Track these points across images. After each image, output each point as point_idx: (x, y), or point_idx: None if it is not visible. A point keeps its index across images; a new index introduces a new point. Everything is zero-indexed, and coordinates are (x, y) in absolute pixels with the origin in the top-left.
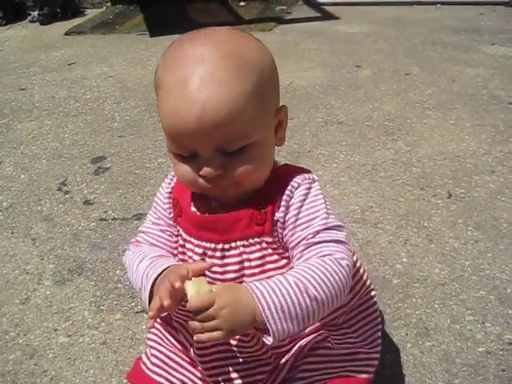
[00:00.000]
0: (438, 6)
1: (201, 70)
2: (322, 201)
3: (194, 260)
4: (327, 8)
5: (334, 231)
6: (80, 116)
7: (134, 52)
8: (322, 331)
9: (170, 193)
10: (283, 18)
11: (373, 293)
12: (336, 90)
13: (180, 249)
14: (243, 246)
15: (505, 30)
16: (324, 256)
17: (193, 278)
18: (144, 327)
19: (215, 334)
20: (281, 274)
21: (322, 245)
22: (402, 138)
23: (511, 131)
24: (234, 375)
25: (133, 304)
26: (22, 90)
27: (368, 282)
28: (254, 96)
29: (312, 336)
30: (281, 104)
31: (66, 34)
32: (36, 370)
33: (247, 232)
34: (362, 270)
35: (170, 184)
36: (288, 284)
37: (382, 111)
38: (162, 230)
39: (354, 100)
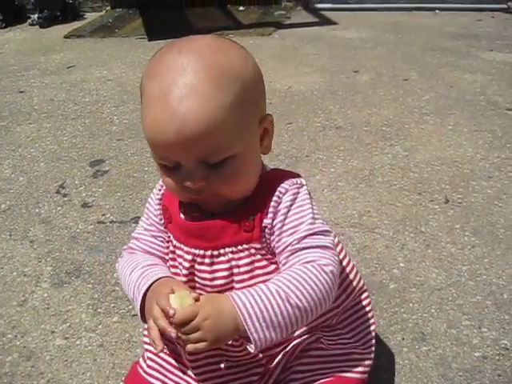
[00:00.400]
0: (437, 11)
1: (181, 82)
2: (309, 206)
3: (183, 266)
4: (326, 13)
5: (321, 236)
6: (79, 119)
7: (133, 56)
8: (314, 332)
9: (160, 199)
10: (282, 22)
11: (366, 294)
12: (334, 95)
13: (171, 255)
14: (232, 252)
15: (503, 36)
16: (307, 262)
17: (176, 292)
18: (141, 330)
19: (200, 345)
20: (268, 279)
21: (307, 251)
22: (399, 143)
23: (508, 137)
24: (226, 378)
25: (130, 307)
26: (21, 92)
27: (361, 283)
28: (235, 107)
29: (304, 337)
30: (270, 112)
31: (66, 37)
32: (33, 372)
33: (236, 239)
34: (354, 272)
35: (160, 190)
36: (270, 293)
37: (380, 116)
38: (153, 236)
39: (352, 105)
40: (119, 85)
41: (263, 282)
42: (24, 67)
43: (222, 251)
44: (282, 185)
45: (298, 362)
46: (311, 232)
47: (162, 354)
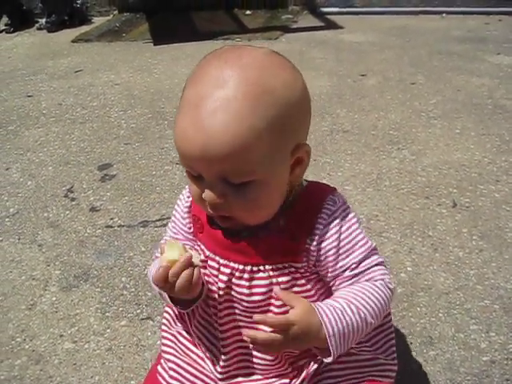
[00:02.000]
0: (444, 15)
1: (217, 95)
2: (357, 225)
3: (219, 279)
4: (333, 17)
5: (376, 252)
6: (87, 123)
7: (140, 60)
8: None
9: (189, 207)
10: (289, 26)
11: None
12: (341, 99)
13: (202, 260)
14: (272, 269)
15: (510, 39)
16: (376, 281)
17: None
18: (149, 334)
19: (275, 345)
20: (305, 297)
21: (372, 269)
22: (407, 147)
23: None
24: None
25: (138, 311)
26: (30, 96)
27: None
28: (267, 132)
29: None
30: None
31: (73, 41)
32: (41, 376)
33: (278, 258)
34: None
35: (189, 197)
36: (351, 312)
37: (387, 120)
38: None
39: (360, 109)
40: (127, 89)
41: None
42: (32, 71)
43: (261, 268)
44: (327, 205)
45: (329, 367)
46: (368, 251)
47: (181, 363)
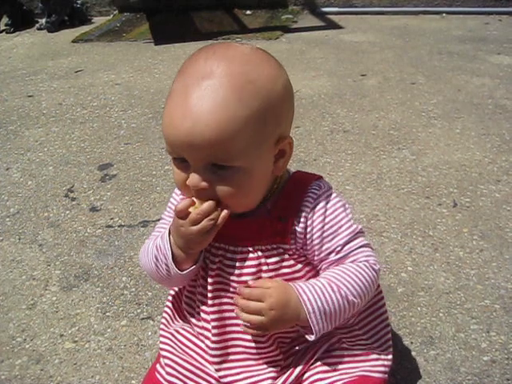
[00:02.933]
0: (444, 15)
1: (204, 85)
2: (342, 208)
3: (211, 261)
4: (333, 17)
5: (361, 235)
6: (87, 123)
7: (140, 60)
8: (334, 334)
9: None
10: (289, 26)
11: (381, 295)
12: (342, 99)
13: None
14: (261, 250)
15: (510, 39)
16: (360, 262)
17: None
18: (150, 333)
19: (258, 330)
20: (294, 278)
21: (356, 251)
22: (407, 146)
23: None
24: (244, 375)
25: (139, 310)
26: (30, 96)
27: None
28: (251, 121)
29: (325, 338)
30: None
31: (74, 41)
32: (42, 376)
33: (266, 239)
34: None
35: None
36: (331, 290)
37: (387, 120)
38: None
39: (360, 109)
40: (127, 89)
41: (290, 279)
42: (32, 71)
43: (251, 249)
44: (313, 189)
45: (323, 362)
46: (352, 234)
47: (180, 361)
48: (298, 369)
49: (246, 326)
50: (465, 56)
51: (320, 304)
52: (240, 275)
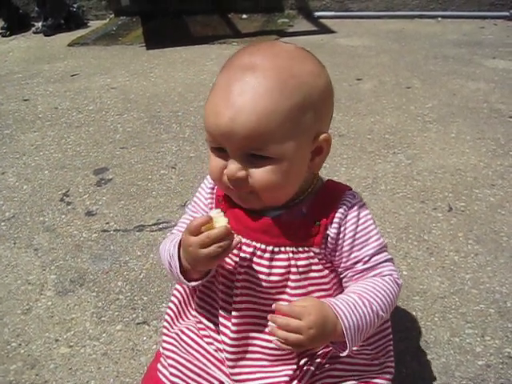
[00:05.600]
0: (439, 19)
1: (248, 76)
2: (372, 221)
3: (241, 258)
4: (329, 21)
5: (386, 250)
6: (83, 127)
7: (136, 64)
8: None
9: (213, 188)
10: (285, 30)
11: None
12: (337, 103)
13: None
14: (292, 252)
15: (506, 43)
16: (385, 276)
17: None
18: (145, 338)
19: (293, 348)
20: (321, 283)
21: (382, 265)
22: (402, 151)
23: (511, 145)
24: (257, 375)
25: (134, 315)
26: (26, 100)
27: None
28: (291, 115)
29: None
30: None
31: (70, 45)
32: (37, 381)
33: (298, 240)
34: None
35: None
36: (364, 305)
37: (383, 124)
38: None
39: (356, 113)
40: (123, 93)
41: (316, 284)
42: (28, 75)
43: (282, 249)
44: (347, 198)
45: (329, 367)
46: (380, 247)
47: (184, 362)
48: (310, 372)
49: (281, 342)
50: (460, 60)
51: (355, 319)
52: (269, 274)
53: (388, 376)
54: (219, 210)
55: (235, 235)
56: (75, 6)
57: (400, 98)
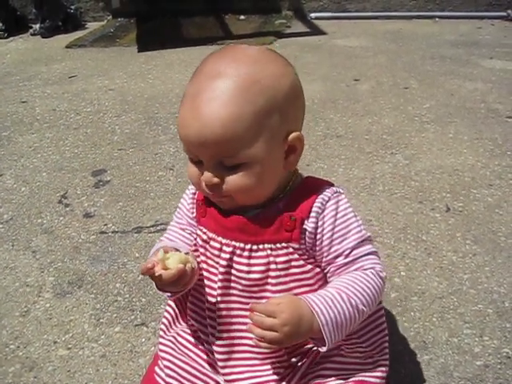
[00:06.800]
0: (437, 19)
1: (212, 86)
2: (353, 213)
3: (222, 258)
4: (326, 22)
5: (369, 242)
6: (80, 129)
7: (134, 65)
8: None
9: (194, 194)
10: (283, 31)
11: (381, 304)
12: (335, 104)
13: (202, 243)
14: (271, 249)
15: (503, 44)
16: (367, 269)
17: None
18: (143, 340)
19: (272, 345)
20: (303, 278)
21: (363, 258)
22: (400, 151)
23: (509, 145)
24: (248, 375)
25: (132, 317)
26: (23, 102)
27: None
28: (257, 118)
29: None
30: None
31: (67, 46)
32: (35, 383)
33: (276, 236)
34: None
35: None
36: (342, 300)
37: (380, 125)
38: (182, 229)
39: (353, 114)
40: (121, 94)
41: (298, 280)
42: (26, 77)
43: (261, 246)
44: (324, 192)
45: (321, 367)
46: (361, 239)
47: (180, 363)
48: (300, 372)
49: (258, 340)
50: (457, 60)
51: (332, 315)
52: (249, 272)
53: (380, 374)
54: (172, 252)
55: (190, 259)
56: (73, 7)
57: (398, 98)
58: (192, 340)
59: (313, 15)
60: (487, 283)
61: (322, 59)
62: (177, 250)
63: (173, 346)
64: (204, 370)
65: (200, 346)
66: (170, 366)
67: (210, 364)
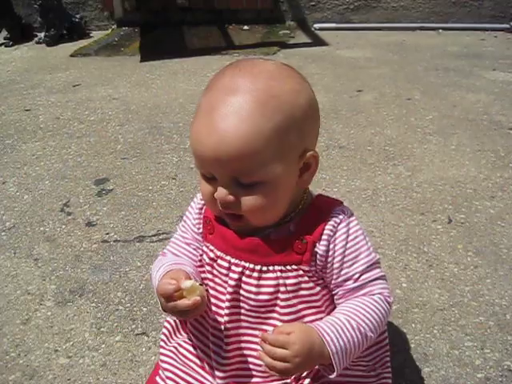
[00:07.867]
0: (440, 31)
1: (229, 101)
2: (363, 236)
3: (230, 277)
4: (330, 33)
5: (378, 266)
6: (84, 137)
7: (138, 74)
8: None
9: (201, 209)
10: (286, 42)
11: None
12: (338, 115)
13: (209, 261)
14: (281, 271)
15: (506, 55)
16: (375, 294)
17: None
18: (144, 349)
19: (280, 374)
20: (312, 300)
21: (372, 283)
22: (402, 163)
23: (511, 157)
24: None
25: (133, 326)
26: (27, 110)
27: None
28: (274, 135)
29: None
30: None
31: (72, 55)
32: None
33: (286, 258)
34: None
35: (201, 200)
36: (352, 328)
37: (383, 136)
38: (187, 243)
39: (356, 124)
40: (124, 103)
41: (306, 302)
42: (30, 85)
43: (271, 268)
44: (336, 214)
45: (324, 380)
46: (370, 263)
47: (181, 374)
48: None
49: (269, 368)
50: (460, 72)
51: (342, 343)
52: (258, 294)
53: None
54: (194, 281)
55: (200, 288)
56: (78, 16)
57: (400, 109)
58: (193, 351)
59: (316, 26)
60: (489, 295)
61: (326, 70)
62: (188, 275)
63: (174, 356)
64: (205, 381)
65: (202, 357)
66: (172, 376)
67: (212, 375)
